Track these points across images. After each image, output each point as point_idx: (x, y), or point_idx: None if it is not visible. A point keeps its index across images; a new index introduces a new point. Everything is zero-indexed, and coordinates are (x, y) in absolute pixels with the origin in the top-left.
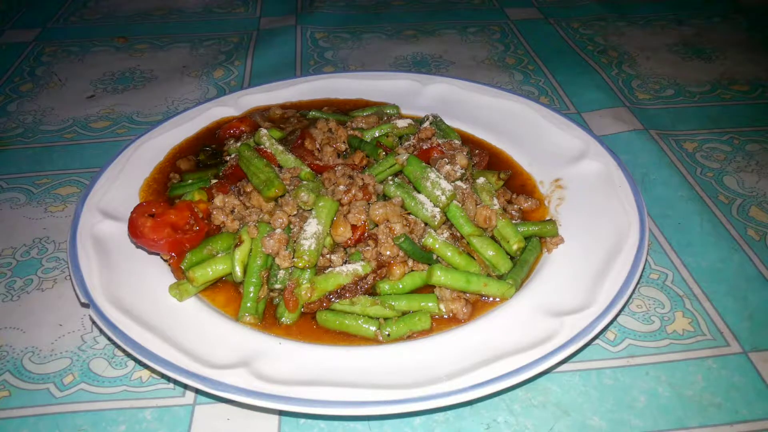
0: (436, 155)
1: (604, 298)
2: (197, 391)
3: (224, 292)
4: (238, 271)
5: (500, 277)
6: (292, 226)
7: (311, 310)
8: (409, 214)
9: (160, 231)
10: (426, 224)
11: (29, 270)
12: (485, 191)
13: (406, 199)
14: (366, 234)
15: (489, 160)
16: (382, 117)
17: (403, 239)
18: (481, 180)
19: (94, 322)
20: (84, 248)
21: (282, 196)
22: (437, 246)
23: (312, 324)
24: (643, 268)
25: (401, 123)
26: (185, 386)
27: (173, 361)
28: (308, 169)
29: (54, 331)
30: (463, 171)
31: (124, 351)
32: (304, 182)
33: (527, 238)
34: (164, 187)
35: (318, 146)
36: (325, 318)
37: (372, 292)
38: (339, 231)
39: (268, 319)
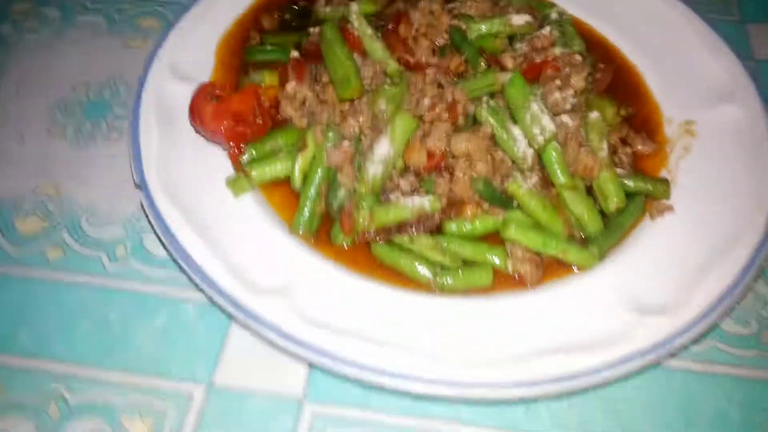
0: (549, 72)
1: (700, 302)
2: None
3: (282, 191)
4: (297, 178)
5: (586, 240)
6: (363, 137)
7: (367, 240)
8: (497, 147)
9: (220, 119)
10: (514, 163)
11: (100, 113)
12: (596, 130)
13: (497, 129)
14: (443, 164)
15: (614, 77)
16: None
17: (481, 183)
18: (594, 115)
19: (143, 208)
20: (147, 117)
21: (360, 98)
22: (521, 194)
23: (366, 252)
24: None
25: (517, 19)
26: None
27: (212, 276)
28: (396, 65)
29: (114, 191)
30: (575, 100)
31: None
32: (387, 84)
33: (630, 195)
34: (243, 45)
35: (414, 34)
36: (381, 251)
37: (438, 229)
38: (413, 156)
39: (321, 236)
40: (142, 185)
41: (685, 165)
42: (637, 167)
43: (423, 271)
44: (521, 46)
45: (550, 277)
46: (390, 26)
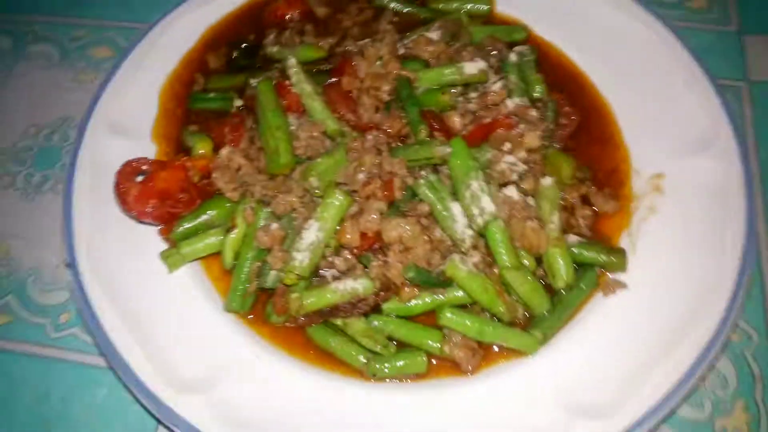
0: (500, 132)
1: (639, 406)
2: None
3: (221, 263)
4: (228, 257)
5: (532, 319)
6: (295, 215)
7: (299, 324)
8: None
9: (145, 200)
10: (454, 243)
11: (49, 162)
12: (548, 199)
13: (435, 207)
14: (377, 245)
15: (584, 117)
16: (457, 32)
17: (413, 271)
18: (546, 182)
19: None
20: (81, 183)
21: (290, 172)
22: (459, 277)
23: (302, 333)
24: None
25: (470, 67)
26: None
27: (134, 372)
28: (335, 125)
29: (59, 251)
30: (523, 168)
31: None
32: (322, 152)
33: (582, 265)
34: (187, 90)
35: (359, 86)
36: (314, 333)
37: (375, 308)
38: (345, 237)
39: (258, 313)
40: (71, 266)
41: (647, 229)
42: (597, 228)
43: (357, 354)
44: (474, 97)
45: (496, 360)
46: (333, 79)
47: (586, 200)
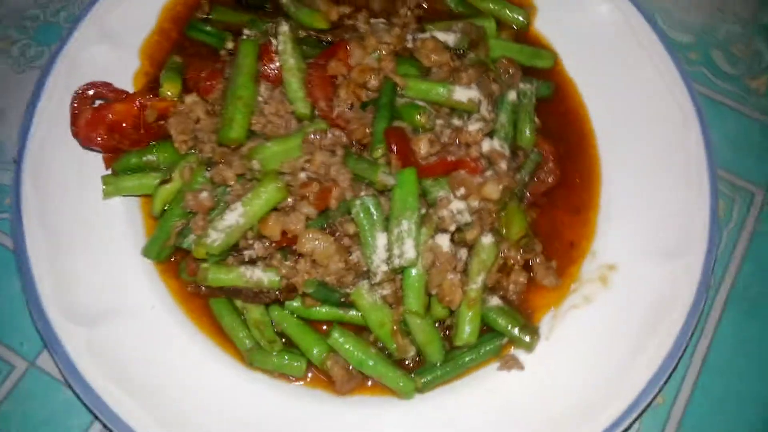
0: (462, 173)
1: None
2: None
3: None
4: (157, 207)
5: (421, 363)
6: (229, 189)
7: (201, 293)
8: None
9: (94, 127)
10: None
11: (48, 37)
12: (480, 258)
13: (363, 231)
14: (294, 247)
15: (564, 180)
16: (477, 41)
17: (312, 287)
18: (487, 240)
19: None
20: (53, 88)
21: (240, 146)
22: (361, 305)
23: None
24: None
25: (460, 93)
26: None
27: (34, 280)
28: (305, 108)
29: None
30: (468, 219)
31: None
32: (270, 142)
33: (487, 332)
34: (190, 13)
35: (344, 74)
36: (214, 304)
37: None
38: (267, 227)
39: (173, 265)
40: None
41: (574, 317)
42: (526, 296)
43: (243, 339)
44: (455, 125)
45: (363, 390)
46: (321, 59)
47: (527, 267)
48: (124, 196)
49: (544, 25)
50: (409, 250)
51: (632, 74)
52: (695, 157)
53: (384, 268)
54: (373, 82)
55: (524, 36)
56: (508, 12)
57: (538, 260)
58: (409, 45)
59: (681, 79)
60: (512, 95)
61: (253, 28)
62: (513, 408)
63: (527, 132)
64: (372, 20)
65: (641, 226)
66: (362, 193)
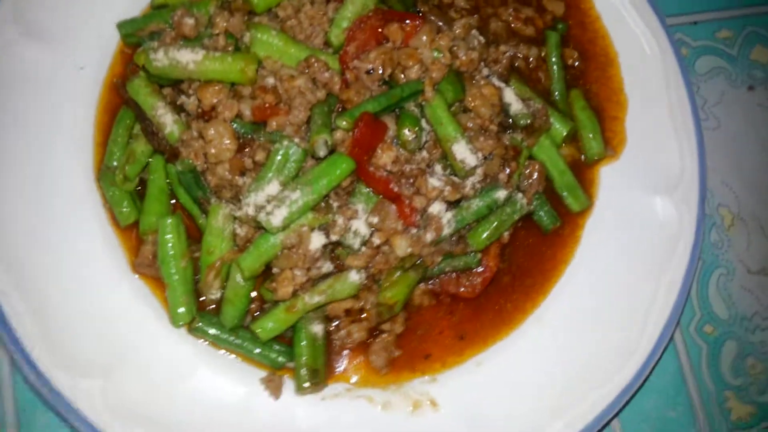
0: (390, 208)
1: None
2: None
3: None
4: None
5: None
6: (214, 34)
7: (120, 93)
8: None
9: None
10: None
11: None
12: (335, 285)
13: (265, 169)
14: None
15: (485, 305)
16: (537, 121)
17: (183, 168)
18: (353, 277)
19: None
20: None
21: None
22: (211, 220)
23: None
24: None
25: (463, 151)
26: None
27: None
28: (337, 40)
29: None
30: (357, 246)
31: None
32: (276, 32)
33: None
34: None
35: (393, 48)
36: (121, 112)
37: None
38: (205, 92)
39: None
40: None
41: None
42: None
43: (112, 155)
44: (428, 166)
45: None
46: (390, 14)
47: (375, 330)
48: None
49: (609, 172)
50: (278, 218)
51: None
52: None
53: (251, 211)
54: (409, 73)
55: (580, 167)
56: (590, 136)
57: (386, 336)
58: (477, 79)
59: None
60: (502, 194)
61: None
62: None
63: (484, 236)
64: (473, 31)
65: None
66: (297, 140)
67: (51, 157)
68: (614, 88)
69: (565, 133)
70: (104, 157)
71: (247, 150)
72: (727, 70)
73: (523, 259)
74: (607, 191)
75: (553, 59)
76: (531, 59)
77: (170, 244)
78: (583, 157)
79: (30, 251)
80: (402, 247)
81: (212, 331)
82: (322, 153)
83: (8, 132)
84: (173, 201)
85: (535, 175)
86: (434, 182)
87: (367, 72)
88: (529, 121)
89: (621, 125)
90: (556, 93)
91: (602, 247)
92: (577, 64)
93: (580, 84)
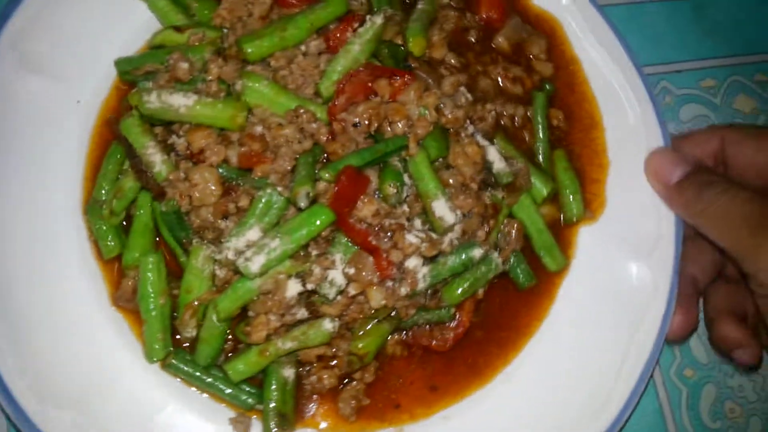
0: (368, 260)
1: None
2: None
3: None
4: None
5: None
6: (207, 79)
7: (112, 127)
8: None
9: None
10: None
11: None
12: (308, 332)
13: (247, 215)
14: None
15: (457, 357)
16: (518, 181)
17: (168, 210)
18: (326, 326)
19: None
20: None
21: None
22: (191, 260)
23: None
24: None
25: (443, 209)
26: None
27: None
28: (327, 93)
29: None
30: (332, 296)
31: None
32: (267, 81)
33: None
34: None
35: (381, 102)
36: (113, 145)
37: None
38: (194, 135)
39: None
40: None
41: None
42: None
43: (101, 189)
44: (407, 221)
45: None
46: (379, 70)
47: (345, 377)
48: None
49: (587, 233)
50: (256, 264)
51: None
52: None
53: (231, 255)
54: (395, 127)
55: (559, 227)
56: (571, 198)
57: (355, 384)
58: (462, 137)
59: None
60: (478, 252)
61: None
62: None
63: (458, 292)
64: (461, 88)
65: None
66: (280, 188)
67: (40, 189)
68: (597, 151)
69: (545, 193)
70: (93, 190)
71: (231, 195)
72: (710, 118)
73: (497, 314)
74: (584, 252)
75: (539, 119)
76: (517, 118)
77: (150, 282)
78: (562, 216)
79: (10, 280)
80: (377, 299)
81: (185, 368)
82: (302, 204)
83: None
84: (158, 238)
85: (514, 234)
86: (411, 238)
87: (354, 125)
88: (510, 180)
89: (602, 188)
90: (540, 152)
91: (576, 307)
92: (562, 125)
93: (564, 144)
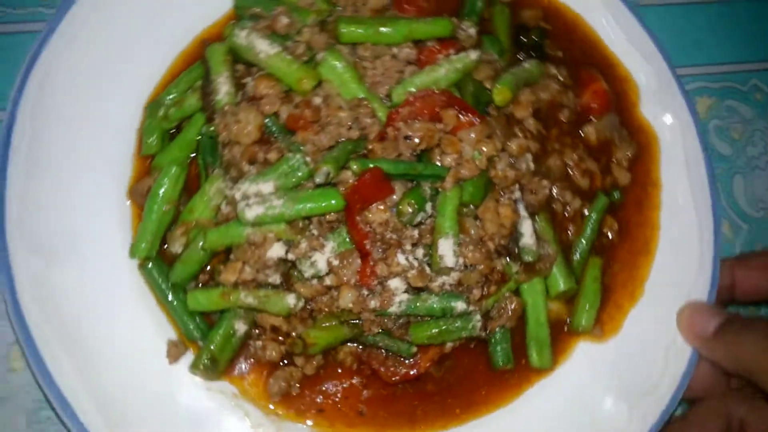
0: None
1: None
2: None
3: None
4: None
5: None
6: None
7: None
8: None
9: None
10: None
11: None
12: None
13: (274, 169)
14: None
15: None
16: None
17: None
18: (291, 300)
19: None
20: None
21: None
22: None
23: None
24: None
25: (448, 255)
26: None
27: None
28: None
29: None
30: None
31: None
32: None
33: None
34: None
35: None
36: None
37: None
38: (261, 82)
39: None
40: None
41: None
42: None
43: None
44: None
45: None
46: (456, 101)
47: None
48: None
49: (585, 350)
50: (252, 213)
51: None
52: None
53: (237, 196)
54: (445, 159)
55: (560, 329)
56: (586, 308)
57: (293, 369)
58: (504, 197)
59: None
60: (461, 306)
61: None
62: None
63: (425, 334)
64: (527, 155)
65: None
66: (309, 159)
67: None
68: (636, 279)
69: (562, 289)
70: (161, 92)
71: (265, 146)
72: None
73: (458, 379)
74: (574, 367)
75: (592, 220)
76: (570, 209)
77: (164, 187)
78: (569, 321)
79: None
80: (346, 299)
81: (157, 277)
82: (318, 180)
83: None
84: (193, 155)
85: (510, 310)
86: (402, 260)
87: (406, 137)
88: (531, 259)
89: (622, 315)
90: (578, 251)
91: (538, 415)
92: (612, 236)
93: (606, 257)
